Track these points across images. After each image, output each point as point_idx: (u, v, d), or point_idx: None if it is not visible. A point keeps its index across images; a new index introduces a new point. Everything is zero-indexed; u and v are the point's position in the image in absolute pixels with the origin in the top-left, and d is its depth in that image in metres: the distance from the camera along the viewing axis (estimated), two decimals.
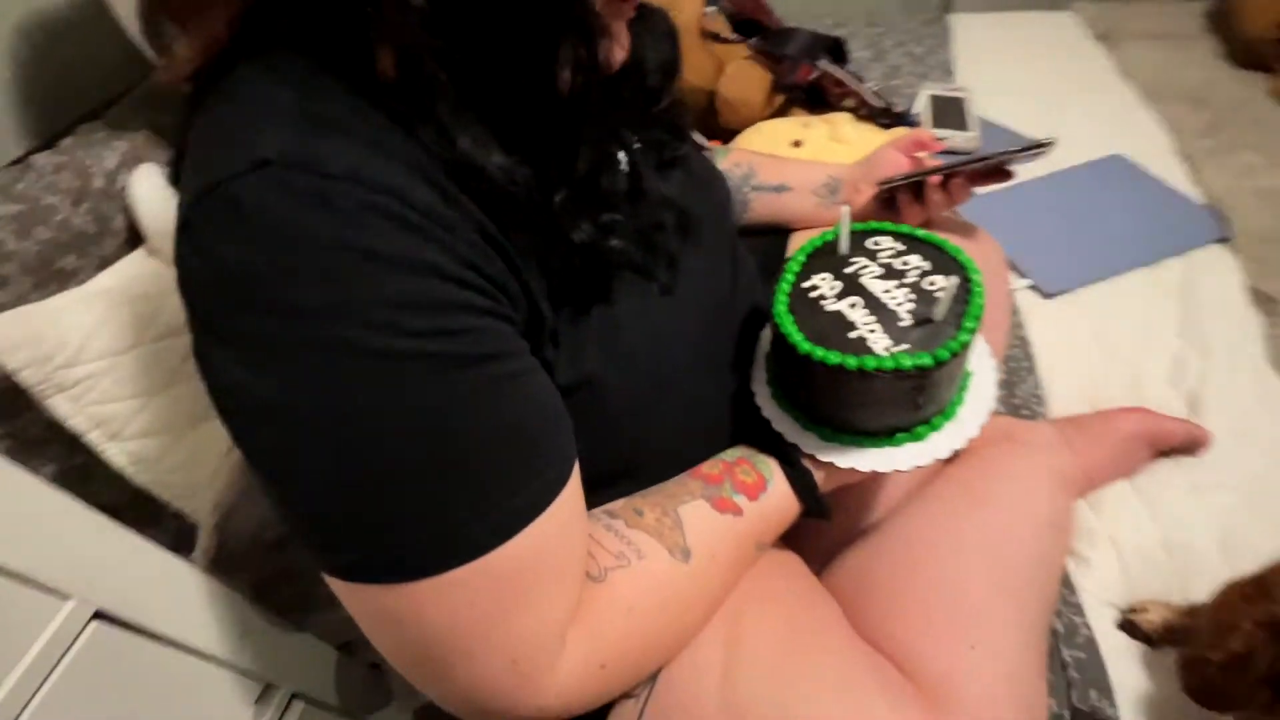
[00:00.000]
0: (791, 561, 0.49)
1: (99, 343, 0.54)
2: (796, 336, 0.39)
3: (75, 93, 0.64)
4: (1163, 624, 0.56)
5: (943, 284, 0.40)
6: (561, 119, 0.33)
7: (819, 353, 0.38)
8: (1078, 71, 1.21)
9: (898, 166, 0.60)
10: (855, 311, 0.40)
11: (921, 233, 0.44)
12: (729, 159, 0.68)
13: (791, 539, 0.46)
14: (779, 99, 1.01)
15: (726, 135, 1.01)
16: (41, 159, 0.58)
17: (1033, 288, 0.87)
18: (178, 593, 0.42)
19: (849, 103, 1.03)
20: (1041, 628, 0.47)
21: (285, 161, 0.27)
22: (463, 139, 0.30)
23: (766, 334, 0.48)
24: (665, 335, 0.41)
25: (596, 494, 0.38)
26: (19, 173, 0.56)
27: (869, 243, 0.44)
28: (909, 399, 0.39)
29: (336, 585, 0.32)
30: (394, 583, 0.30)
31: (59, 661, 0.33)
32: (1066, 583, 0.60)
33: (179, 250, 0.29)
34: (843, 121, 0.97)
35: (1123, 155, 1.03)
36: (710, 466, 0.43)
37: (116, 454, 0.55)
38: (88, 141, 0.60)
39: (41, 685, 0.33)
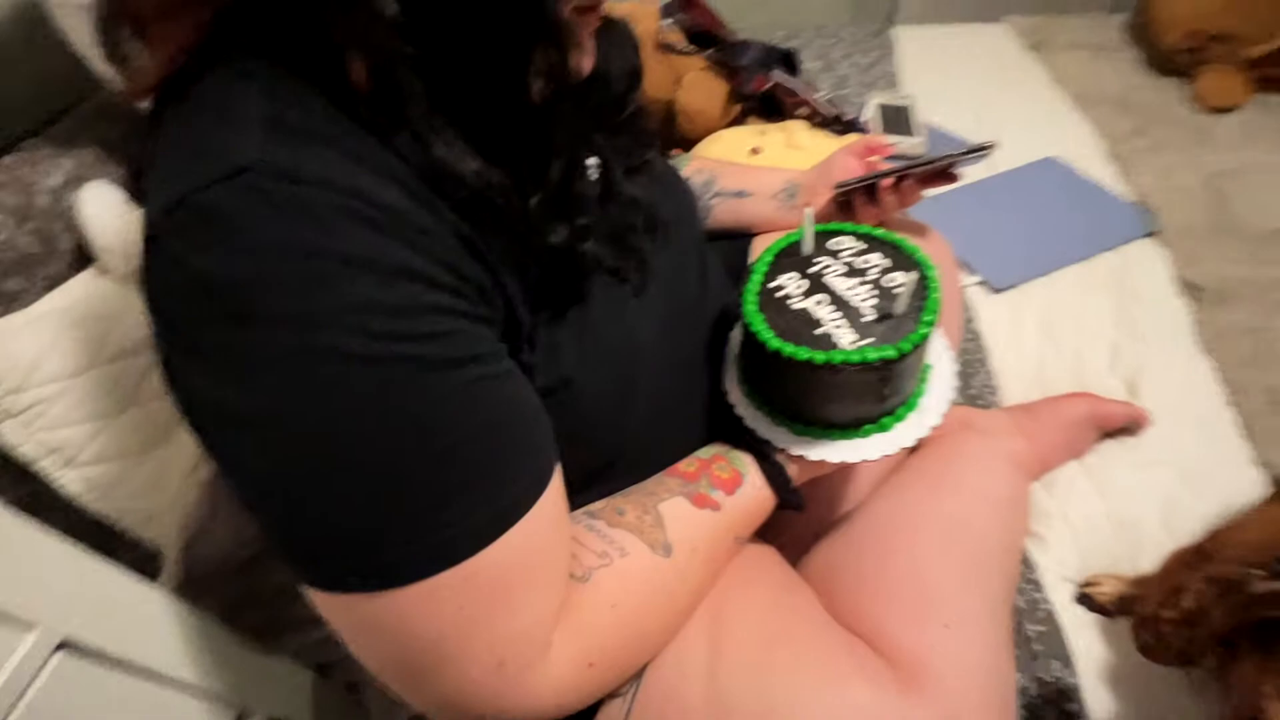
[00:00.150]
0: (768, 554, 0.50)
1: (49, 366, 0.52)
2: (766, 334, 0.40)
3: (17, 108, 0.62)
4: (1116, 595, 0.60)
5: (902, 280, 0.42)
6: (534, 126, 0.33)
7: (788, 349, 0.39)
8: (1013, 80, 1.28)
9: (851, 171, 0.62)
10: (821, 309, 0.42)
11: (880, 232, 0.46)
12: (690, 167, 0.70)
13: (767, 532, 0.47)
14: (736, 108, 1.04)
15: (686, 144, 1.03)
16: None
17: (981, 284, 0.92)
18: (147, 619, 0.40)
19: (802, 111, 1.06)
20: (1006, 604, 0.50)
21: (259, 169, 0.27)
22: (437, 145, 0.30)
23: (737, 334, 0.49)
24: (639, 336, 0.42)
25: (577, 495, 0.39)
26: None
27: (831, 243, 0.46)
28: (875, 390, 0.41)
29: (318, 598, 0.31)
30: (378, 591, 0.30)
31: (23, 694, 0.32)
32: (1026, 561, 0.64)
33: (147, 262, 0.29)
34: (797, 129, 1.00)
35: (1057, 158, 1.09)
36: (687, 464, 0.45)
37: (70, 481, 0.53)
38: (31, 159, 0.57)
39: None
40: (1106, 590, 0.60)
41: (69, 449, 0.53)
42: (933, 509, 0.52)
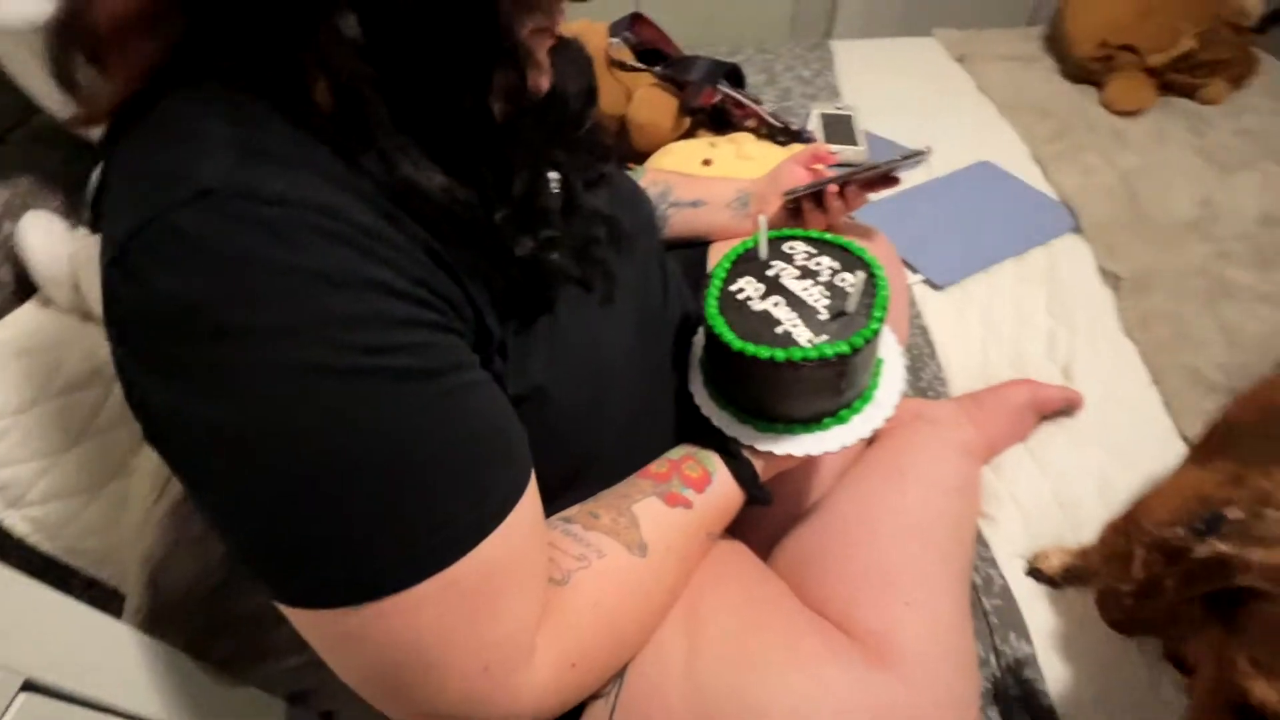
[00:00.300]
0: (739, 549, 0.52)
1: None
2: (729, 335, 0.42)
3: None
4: (1062, 567, 0.64)
5: (852, 280, 0.45)
6: (496, 143, 0.34)
7: (750, 349, 0.41)
8: (944, 90, 1.35)
9: (799, 179, 0.66)
10: (779, 309, 0.44)
11: (829, 236, 0.49)
12: (646, 178, 0.72)
13: (737, 529, 0.49)
14: (686, 122, 1.07)
15: (639, 158, 1.05)
16: None
17: (925, 282, 0.96)
18: (112, 656, 0.39)
19: (750, 123, 1.10)
20: (963, 581, 0.52)
21: (227, 190, 0.27)
22: (403, 164, 0.31)
23: (700, 338, 0.51)
24: (606, 343, 0.43)
25: (551, 502, 0.39)
26: None
27: (785, 247, 0.48)
28: (832, 385, 0.43)
29: (296, 615, 0.31)
30: (359, 604, 0.30)
31: None
32: (980, 540, 0.67)
33: (110, 287, 0.29)
34: (746, 140, 1.04)
35: (988, 161, 1.16)
36: (658, 466, 0.46)
37: (17, 522, 0.51)
38: None
39: None
40: (1054, 563, 0.64)
41: (14, 488, 0.50)
42: (891, 498, 0.55)
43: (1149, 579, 0.46)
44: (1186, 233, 1.02)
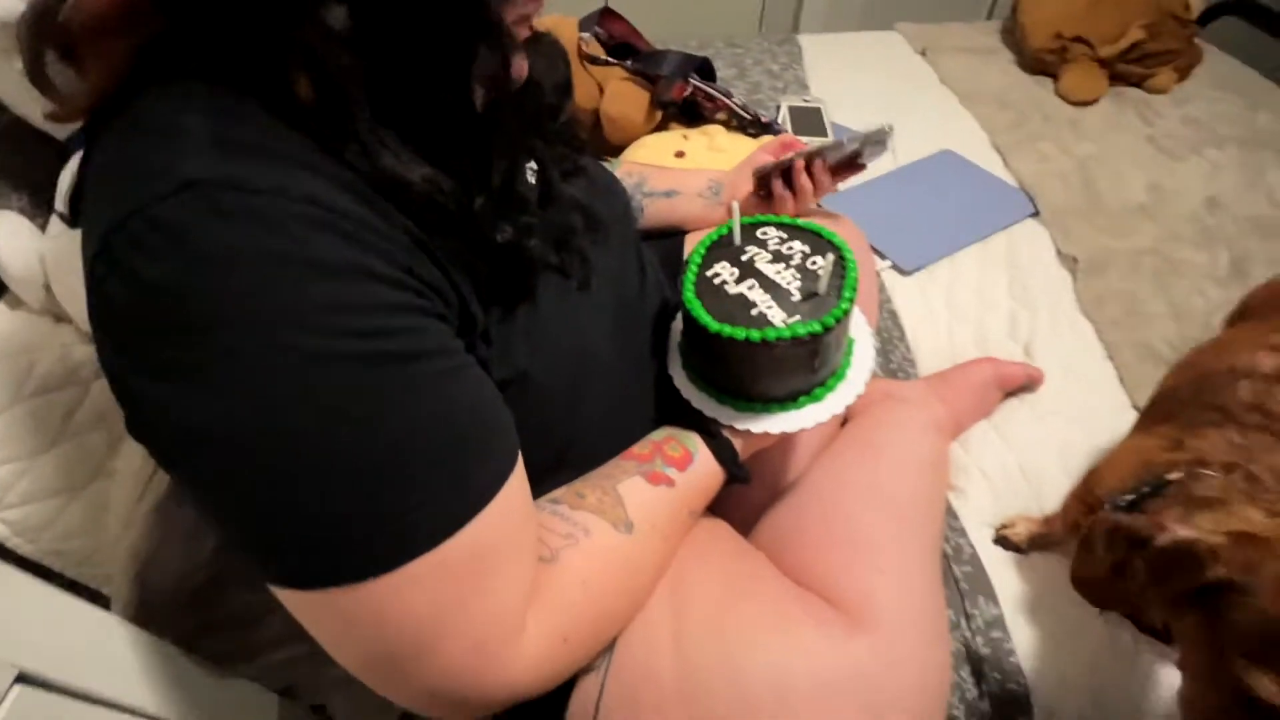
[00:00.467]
0: (721, 526, 0.54)
1: None
2: (706, 318, 0.44)
3: None
4: (1028, 535, 0.67)
5: (822, 263, 0.46)
6: (477, 131, 0.35)
7: (727, 330, 0.43)
8: (907, 82, 1.38)
9: None
10: (753, 292, 0.45)
11: (800, 221, 0.50)
12: (620, 170, 0.73)
13: (719, 508, 0.51)
14: (658, 115, 1.08)
15: (613, 151, 1.06)
16: None
17: (893, 267, 0.99)
18: (105, 648, 0.39)
19: (721, 116, 1.12)
20: (934, 550, 0.55)
21: (211, 182, 0.27)
22: (384, 155, 0.31)
23: (678, 323, 0.53)
24: (586, 329, 0.44)
25: (538, 485, 0.40)
26: None
27: (758, 233, 0.50)
28: (806, 363, 0.45)
29: (290, 597, 0.31)
30: (354, 584, 0.30)
31: None
32: (950, 511, 0.70)
33: (94, 280, 0.29)
34: (717, 132, 1.05)
35: (951, 150, 1.19)
36: (640, 447, 0.47)
37: None
38: None
39: None
40: (1019, 531, 0.67)
41: None
42: (865, 473, 0.57)
43: (1117, 564, 0.46)
44: (1137, 216, 1.07)
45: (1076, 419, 0.78)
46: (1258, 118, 1.27)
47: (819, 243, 0.49)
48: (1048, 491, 0.71)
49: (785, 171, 0.65)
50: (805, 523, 0.54)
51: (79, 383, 0.54)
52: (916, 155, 1.17)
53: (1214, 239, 1.03)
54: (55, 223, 0.58)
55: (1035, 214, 1.07)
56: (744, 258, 0.48)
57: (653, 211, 0.72)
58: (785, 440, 0.50)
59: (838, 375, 0.48)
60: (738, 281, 0.46)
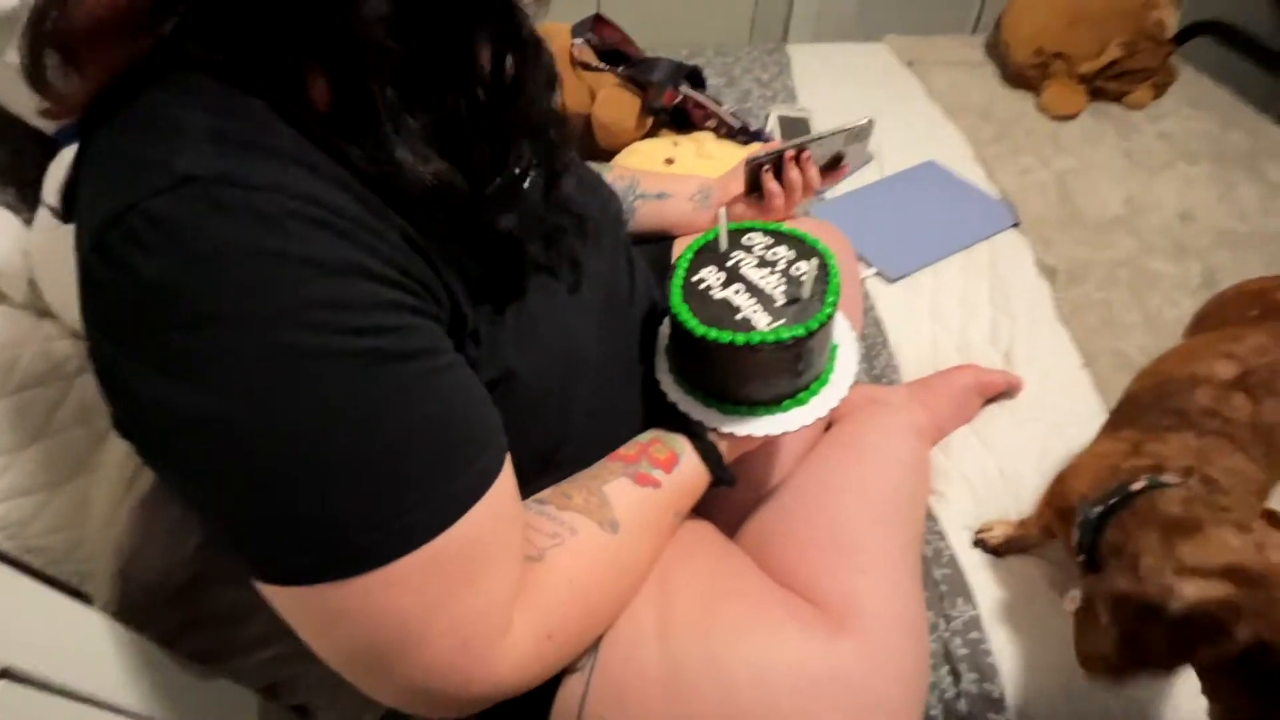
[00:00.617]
0: (706, 527, 0.54)
1: None
2: (692, 322, 0.44)
3: None
4: (1004, 538, 0.68)
5: (806, 268, 0.47)
6: (492, 121, 0.36)
7: (713, 334, 0.43)
8: (894, 93, 1.41)
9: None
10: (739, 297, 0.46)
11: (786, 228, 0.51)
12: (612, 174, 0.74)
13: (704, 510, 0.51)
14: (648, 121, 1.10)
15: (604, 157, 1.07)
16: None
17: (878, 275, 1.01)
18: (90, 646, 0.38)
19: (710, 123, 1.13)
20: (915, 553, 0.56)
21: (208, 178, 0.27)
22: (400, 149, 0.31)
23: (665, 327, 0.53)
24: (575, 331, 0.45)
25: (525, 486, 0.40)
26: None
27: (744, 239, 0.51)
28: (790, 367, 0.46)
29: (277, 594, 0.32)
30: (340, 580, 0.30)
31: None
32: (930, 515, 0.71)
33: (89, 274, 0.29)
34: (707, 140, 1.07)
35: (935, 161, 1.22)
36: (627, 449, 0.48)
37: None
38: None
39: None
40: (997, 534, 0.69)
41: None
42: (849, 476, 0.58)
43: (1127, 637, 0.42)
44: (1114, 228, 1.10)
45: (1054, 424, 0.79)
46: (1229, 135, 1.30)
47: (803, 249, 0.50)
48: (1027, 496, 0.73)
49: (776, 167, 0.66)
50: (789, 524, 0.54)
51: (62, 378, 0.54)
52: (902, 166, 1.19)
53: (1186, 251, 1.06)
54: (44, 216, 0.57)
55: (1016, 225, 1.09)
56: (730, 263, 0.49)
57: (643, 214, 0.72)
58: (770, 443, 0.51)
59: (821, 379, 0.49)
60: (723, 286, 0.47)
